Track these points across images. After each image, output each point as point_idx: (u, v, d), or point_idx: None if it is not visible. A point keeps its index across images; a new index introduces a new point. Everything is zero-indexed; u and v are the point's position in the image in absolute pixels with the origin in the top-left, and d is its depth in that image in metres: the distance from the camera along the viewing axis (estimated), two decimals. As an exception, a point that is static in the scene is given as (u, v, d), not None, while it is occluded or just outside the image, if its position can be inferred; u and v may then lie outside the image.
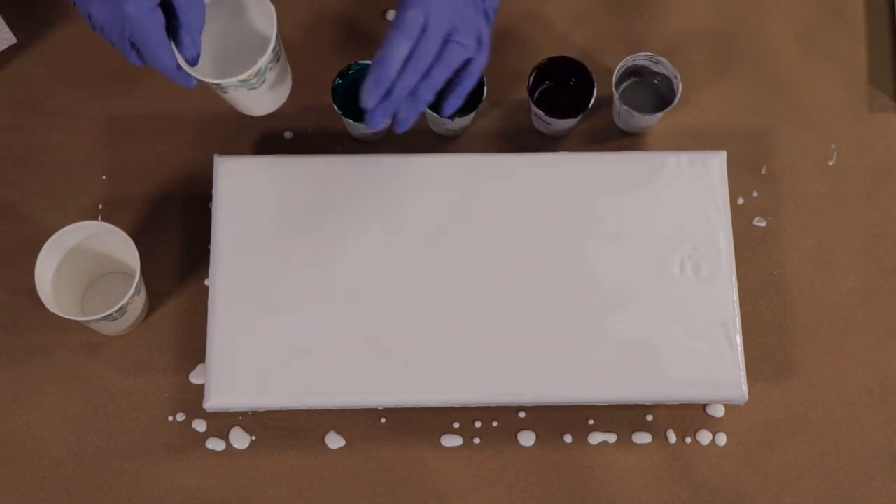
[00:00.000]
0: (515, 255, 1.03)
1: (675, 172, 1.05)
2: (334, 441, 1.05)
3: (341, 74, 1.06)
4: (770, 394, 1.07)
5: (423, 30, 0.89)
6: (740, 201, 1.11)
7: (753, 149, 1.13)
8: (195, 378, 1.06)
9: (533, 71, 1.07)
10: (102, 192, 1.10)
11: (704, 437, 1.05)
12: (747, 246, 1.10)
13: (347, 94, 1.08)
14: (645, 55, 1.08)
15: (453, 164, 1.05)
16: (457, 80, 0.94)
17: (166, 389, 1.06)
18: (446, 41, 0.90)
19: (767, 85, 1.14)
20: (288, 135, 1.12)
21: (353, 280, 1.02)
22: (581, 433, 1.05)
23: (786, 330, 1.08)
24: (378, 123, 0.92)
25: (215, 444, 1.05)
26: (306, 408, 1.01)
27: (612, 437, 1.05)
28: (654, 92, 1.11)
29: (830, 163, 1.13)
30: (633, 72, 1.10)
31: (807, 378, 1.07)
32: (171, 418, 1.05)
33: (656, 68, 1.09)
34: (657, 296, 1.02)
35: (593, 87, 1.07)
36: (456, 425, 1.05)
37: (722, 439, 1.05)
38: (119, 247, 1.02)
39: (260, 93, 0.94)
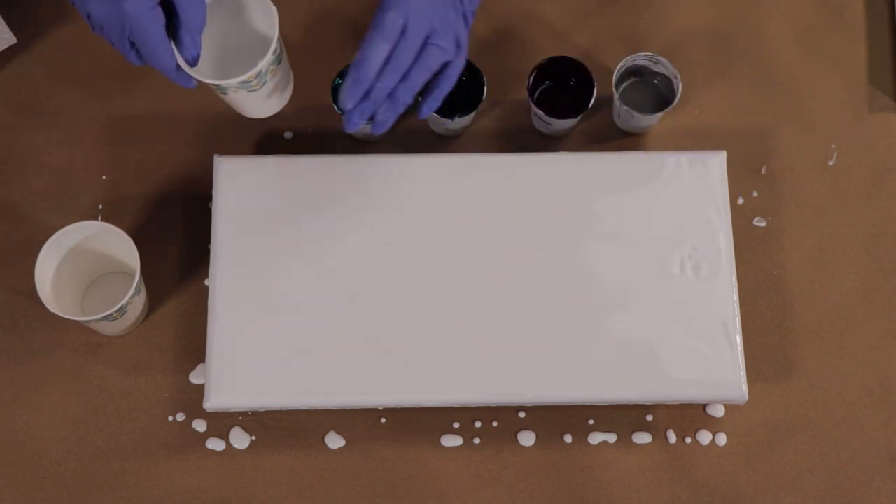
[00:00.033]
0: (515, 255, 1.03)
1: (675, 172, 1.05)
2: (334, 441, 1.05)
3: (341, 74, 1.06)
4: (770, 394, 1.07)
5: (403, 32, 0.89)
6: (740, 201, 1.11)
7: (753, 149, 1.13)
8: (195, 378, 1.06)
9: (533, 71, 1.07)
10: (102, 192, 1.10)
11: (704, 437, 1.05)
12: (747, 246, 1.10)
13: (347, 94, 1.08)
14: (645, 55, 1.08)
15: (453, 164, 1.05)
16: (435, 82, 0.95)
17: (166, 389, 1.06)
18: (425, 44, 0.91)
19: (767, 85, 1.14)
20: (288, 135, 1.12)
21: (353, 280, 1.02)
22: (581, 433, 1.05)
23: (786, 330, 1.08)
24: (356, 125, 0.92)
25: (215, 444, 1.05)
26: (306, 408, 1.01)
27: (612, 437, 1.05)
28: (654, 92, 1.11)
29: (830, 163, 1.13)
30: (633, 72, 1.10)
31: (807, 378, 1.07)
32: (171, 418, 1.05)
33: (656, 68, 1.09)
34: (657, 296, 1.02)
35: (593, 87, 1.07)
36: (456, 425, 1.05)
37: (722, 439, 1.05)
38: (119, 247, 1.02)
39: (260, 95, 0.94)
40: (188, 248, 1.09)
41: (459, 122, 1.07)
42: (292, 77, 0.99)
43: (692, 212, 1.04)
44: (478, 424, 1.05)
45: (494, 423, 1.06)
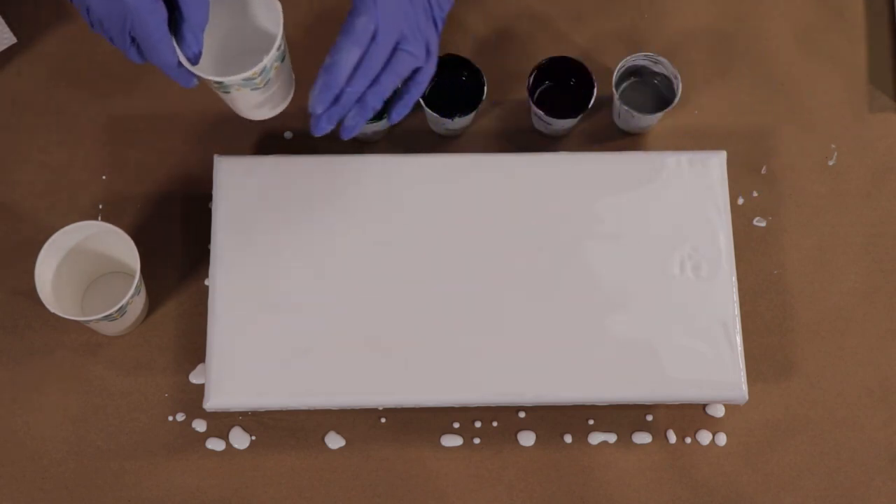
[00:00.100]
0: (515, 255, 1.03)
1: (675, 172, 1.05)
2: (334, 441, 1.05)
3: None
4: (770, 394, 1.07)
5: (374, 37, 0.89)
6: (740, 201, 1.11)
7: (753, 149, 1.13)
8: (195, 378, 1.06)
9: (533, 71, 1.07)
10: (102, 192, 1.10)
11: (704, 437, 1.05)
12: (747, 246, 1.10)
13: (347, 94, 1.08)
14: (645, 55, 1.08)
15: (453, 164, 1.05)
16: (405, 88, 0.95)
17: (166, 389, 1.06)
18: (395, 49, 0.91)
19: (767, 85, 1.14)
20: (288, 135, 1.12)
21: (353, 280, 1.02)
22: (581, 433, 1.05)
23: (786, 330, 1.08)
24: (324, 129, 0.92)
25: (215, 444, 1.05)
26: (306, 408, 1.01)
27: (612, 437, 1.05)
28: (654, 92, 1.11)
29: (830, 163, 1.13)
30: (633, 72, 1.10)
31: (807, 378, 1.07)
32: (171, 418, 1.05)
33: (656, 68, 1.09)
34: (657, 296, 1.02)
35: (593, 87, 1.07)
36: (456, 425, 1.05)
37: (722, 439, 1.05)
38: (119, 247, 1.02)
39: (262, 94, 0.94)
40: (188, 248, 1.09)
41: (459, 122, 1.07)
42: (294, 80, 0.98)
43: (692, 212, 1.04)
44: (478, 424, 1.05)
45: (494, 423, 1.06)
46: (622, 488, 1.04)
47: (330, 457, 1.05)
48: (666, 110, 1.07)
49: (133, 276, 1.06)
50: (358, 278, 1.02)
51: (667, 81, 1.09)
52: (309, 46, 1.14)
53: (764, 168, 1.12)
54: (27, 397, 1.05)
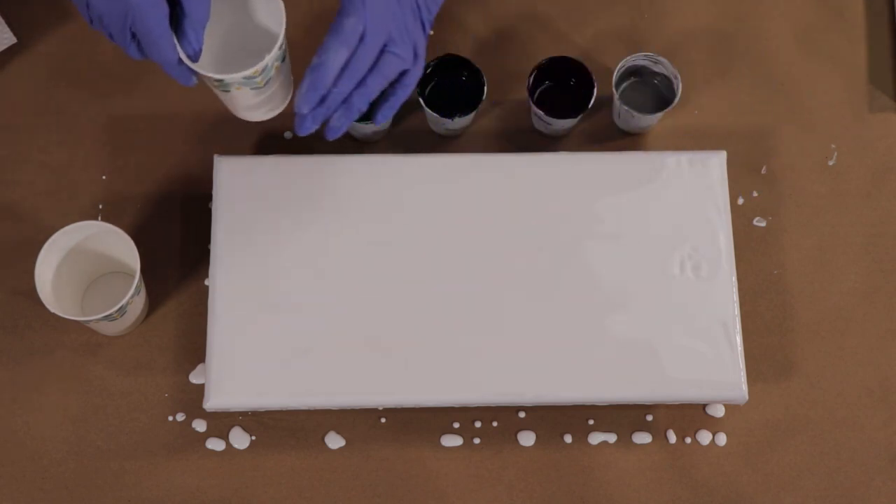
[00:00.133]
0: (515, 255, 1.03)
1: (675, 172, 1.05)
2: (334, 441, 1.05)
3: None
4: (770, 394, 1.07)
5: (362, 38, 0.89)
6: (740, 201, 1.11)
7: (753, 149, 1.13)
8: (195, 378, 1.06)
9: (533, 71, 1.07)
10: (102, 192, 1.10)
11: (704, 437, 1.05)
12: (747, 246, 1.10)
13: (347, 94, 1.08)
14: (645, 55, 1.08)
15: (453, 164, 1.05)
16: (391, 90, 0.95)
17: (166, 389, 1.06)
18: (383, 51, 0.91)
19: (767, 85, 1.14)
20: (288, 135, 1.12)
21: (354, 280, 1.02)
22: (581, 433, 1.05)
23: (786, 330, 1.08)
24: (308, 129, 0.92)
25: (215, 444, 1.05)
26: (306, 408, 1.01)
27: (612, 437, 1.05)
28: (654, 92, 1.11)
29: (830, 163, 1.13)
30: (633, 72, 1.10)
31: (807, 378, 1.07)
32: (171, 418, 1.05)
33: (656, 68, 1.09)
34: (657, 296, 1.02)
35: (593, 87, 1.07)
36: (456, 425, 1.05)
37: (722, 439, 1.05)
38: (119, 247, 1.02)
39: (261, 94, 0.93)
40: (188, 248, 1.09)
41: (459, 122, 1.07)
42: (293, 83, 0.98)
43: (692, 212, 1.04)
44: (478, 424, 1.05)
45: (494, 423, 1.06)
46: (622, 488, 1.04)
47: (330, 457, 1.05)
48: (666, 110, 1.07)
49: (133, 276, 1.06)
50: (358, 278, 1.02)
51: (667, 81, 1.09)
52: (309, 46, 1.13)
53: (764, 168, 1.12)
54: (27, 397, 1.05)
